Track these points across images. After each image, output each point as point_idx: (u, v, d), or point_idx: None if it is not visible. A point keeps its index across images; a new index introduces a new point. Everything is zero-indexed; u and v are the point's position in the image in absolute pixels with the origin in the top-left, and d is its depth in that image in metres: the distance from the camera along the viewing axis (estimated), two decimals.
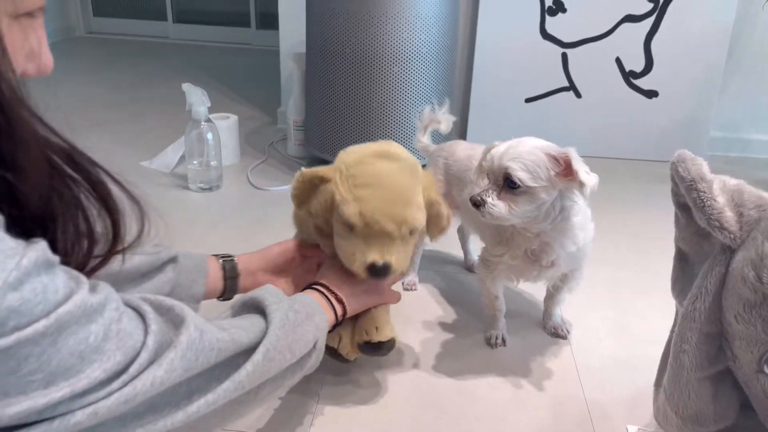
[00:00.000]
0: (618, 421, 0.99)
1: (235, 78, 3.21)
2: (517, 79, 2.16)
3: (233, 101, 2.72)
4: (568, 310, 1.28)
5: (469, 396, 1.03)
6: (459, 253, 1.49)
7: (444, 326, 1.22)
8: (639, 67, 2.11)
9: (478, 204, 0.95)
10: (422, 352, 1.14)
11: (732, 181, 0.62)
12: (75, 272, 0.50)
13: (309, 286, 0.90)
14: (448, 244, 1.52)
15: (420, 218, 0.91)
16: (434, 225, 0.99)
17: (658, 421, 0.71)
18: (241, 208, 1.72)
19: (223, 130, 1.87)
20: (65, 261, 0.50)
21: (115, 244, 0.56)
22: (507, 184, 0.93)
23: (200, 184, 1.80)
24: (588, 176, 0.90)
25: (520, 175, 0.91)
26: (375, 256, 0.88)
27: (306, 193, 0.94)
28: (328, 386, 1.04)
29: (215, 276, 0.95)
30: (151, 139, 2.15)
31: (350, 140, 1.01)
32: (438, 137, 1.37)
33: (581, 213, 1.00)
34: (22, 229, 0.48)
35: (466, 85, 2.23)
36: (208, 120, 1.74)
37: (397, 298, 1.01)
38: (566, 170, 0.92)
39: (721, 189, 0.61)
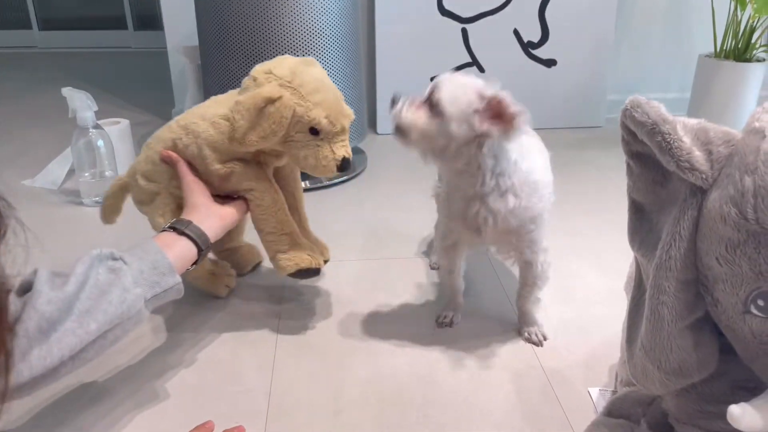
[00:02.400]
0: (578, 385, 0.97)
1: (117, 83, 2.99)
2: (421, 59, 2.13)
3: (120, 108, 2.52)
4: (506, 279, 1.26)
5: (430, 384, 0.97)
6: (398, 239, 1.44)
7: (388, 315, 1.16)
8: (536, 37, 2.14)
9: (393, 102, 0.92)
10: (371, 344, 1.07)
11: (692, 121, 0.60)
12: None
13: (173, 226, 0.94)
14: (398, 234, 1.47)
15: None
16: None
17: (637, 379, 0.68)
18: (144, 220, 1.57)
19: (115, 136, 1.70)
20: None
21: None
22: (430, 101, 0.89)
23: (95, 197, 1.63)
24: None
25: (441, 94, 0.87)
26: (343, 152, 1.00)
27: (255, 121, 0.96)
28: (276, 395, 0.95)
29: (168, 241, 0.90)
30: (30, 155, 1.94)
31: None
32: None
33: (510, 175, 0.93)
34: None
35: (370, 69, 2.18)
36: (97, 126, 1.57)
37: (244, 205, 1.06)
38: (492, 114, 0.87)
39: (683, 129, 0.59)
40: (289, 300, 1.21)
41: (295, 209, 1.13)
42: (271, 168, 1.09)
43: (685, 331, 0.62)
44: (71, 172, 1.73)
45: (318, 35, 1.57)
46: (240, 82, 1.60)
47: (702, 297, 0.61)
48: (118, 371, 1.00)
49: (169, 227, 0.93)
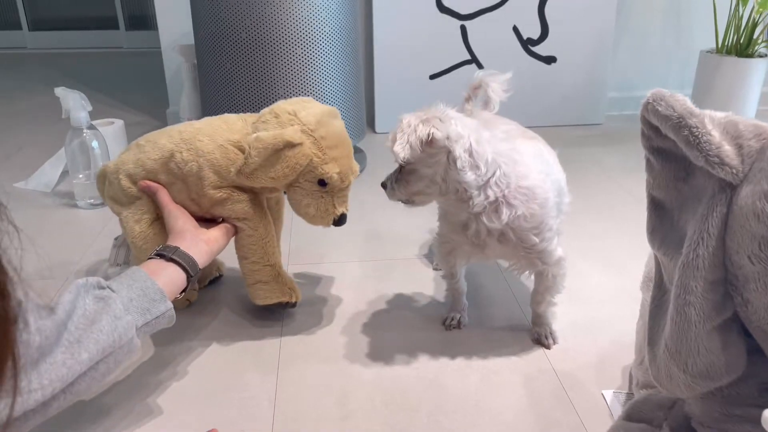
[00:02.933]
0: (591, 387, 0.94)
1: (110, 84, 2.95)
2: (419, 57, 2.11)
3: (113, 108, 2.48)
4: (515, 283, 1.24)
5: (438, 388, 0.95)
6: (394, 240, 1.41)
7: (393, 317, 1.13)
8: (536, 34, 2.12)
9: (384, 187, 0.94)
10: (377, 348, 1.04)
11: (719, 114, 0.58)
12: None
13: (159, 253, 0.91)
14: (388, 232, 1.44)
15: None
16: None
17: (660, 382, 0.66)
18: None
19: (109, 137, 1.66)
20: None
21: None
22: (400, 167, 0.91)
23: (89, 199, 1.60)
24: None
25: (399, 155, 0.84)
26: (343, 209, 1.01)
27: (269, 160, 0.94)
28: (281, 402, 0.92)
29: (155, 268, 0.87)
30: (22, 157, 1.90)
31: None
32: None
33: (497, 183, 0.88)
34: None
35: (369, 66, 2.15)
36: (91, 126, 1.53)
37: (231, 231, 1.03)
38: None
39: (711, 123, 0.56)
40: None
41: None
42: (264, 198, 1.07)
43: (713, 332, 0.60)
44: (65, 174, 1.70)
45: (315, 32, 1.54)
46: (235, 81, 1.58)
47: (730, 297, 0.59)
48: (117, 386, 0.96)
49: (156, 254, 0.90)
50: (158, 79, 2.26)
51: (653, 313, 0.69)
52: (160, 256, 0.90)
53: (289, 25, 1.50)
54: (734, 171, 0.55)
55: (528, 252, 0.95)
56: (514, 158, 0.91)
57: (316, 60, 1.56)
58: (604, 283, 1.24)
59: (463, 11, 2.07)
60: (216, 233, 0.99)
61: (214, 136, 0.99)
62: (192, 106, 1.85)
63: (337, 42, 1.60)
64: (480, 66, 2.13)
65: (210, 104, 1.68)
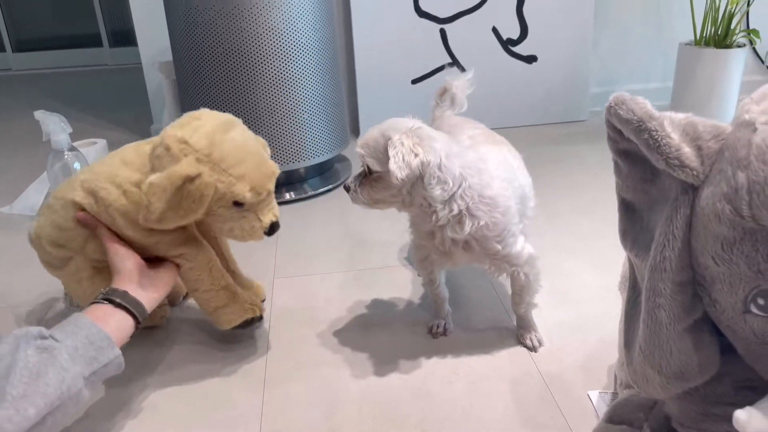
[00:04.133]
0: (577, 389, 0.95)
1: (95, 102, 2.95)
2: (400, 62, 2.11)
3: (98, 127, 2.48)
4: (500, 286, 1.24)
5: (425, 396, 0.95)
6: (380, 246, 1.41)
7: (379, 327, 1.13)
8: (515, 34, 2.13)
9: (347, 190, 0.94)
10: (363, 359, 1.04)
11: (679, 116, 0.58)
12: None
13: (107, 297, 0.88)
14: (377, 236, 1.44)
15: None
16: None
17: (638, 384, 0.66)
18: None
19: (92, 158, 1.66)
20: None
21: None
22: (366, 170, 0.91)
23: None
24: (398, 164, 0.83)
25: (368, 161, 0.89)
26: (270, 217, 0.96)
27: (172, 201, 0.88)
28: (268, 418, 0.92)
29: (101, 315, 0.84)
30: (6, 182, 1.89)
31: None
32: None
33: (461, 195, 0.89)
34: None
35: (350, 74, 2.15)
36: (72, 148, 1.53)
37: (176, 269, 1.00)
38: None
39: (671, 125, 0.56)
40: (277, 317, 1.18)
41: (219, 254, 1.08)
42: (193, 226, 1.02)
43: (684, 333, 0.60)
44: (49, 197, 1.69)
45: (293, 45, 1.54)
46: (215, 95, 1.58)
47: (699, 298, 0.59)
48: (100, 408, 0.96)
49: (103, 298, 0.87)
50: (143, 95, 2.26)
51: (629, 315, 0.69)
52: (109, 300, 0.87)
53: (266, 37, 1.50)
54: (695, 173, 0.55)
55: (494, 257, 0.96)
56: (479, 167, 0.92)
57: (295, 70, 1.56)
58: (591, 282, 1.24)
59: (442, 15, 2.08)
60: (164, 274, 0.96)
61: (115, 180, 0.94)
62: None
63: (315, 51, 1.60)
64: (462, 68, 2.13)
65: None
